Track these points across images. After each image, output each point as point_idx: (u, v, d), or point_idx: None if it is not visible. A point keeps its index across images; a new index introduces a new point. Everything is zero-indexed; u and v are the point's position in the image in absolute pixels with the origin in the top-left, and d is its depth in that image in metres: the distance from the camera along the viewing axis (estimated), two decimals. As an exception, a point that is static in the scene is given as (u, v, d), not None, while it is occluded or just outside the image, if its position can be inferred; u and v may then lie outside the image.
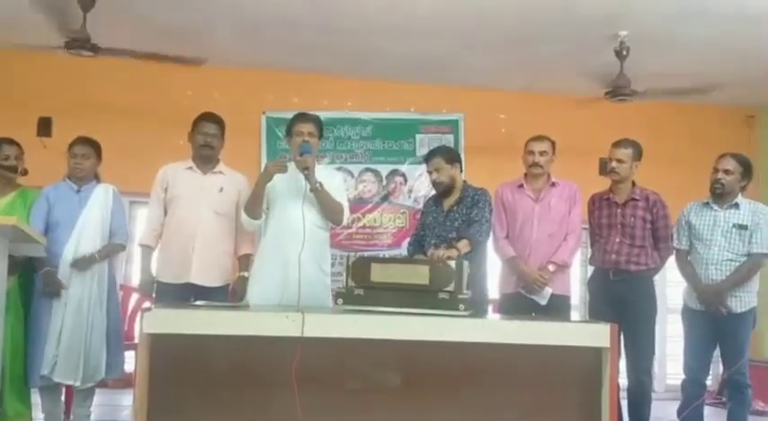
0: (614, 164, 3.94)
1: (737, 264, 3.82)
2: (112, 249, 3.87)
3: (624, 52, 4.82)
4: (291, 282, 3.26)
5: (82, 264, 3.71)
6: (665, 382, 6.02)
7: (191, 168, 3.86)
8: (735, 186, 3.91)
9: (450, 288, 2.80)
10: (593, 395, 2.82)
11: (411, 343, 2.75)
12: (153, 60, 4.75)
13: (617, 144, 3.98)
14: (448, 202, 3.76)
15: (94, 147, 3.92)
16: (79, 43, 4.48)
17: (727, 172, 3.90)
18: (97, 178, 3.97)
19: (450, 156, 3.79)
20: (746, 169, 3.94)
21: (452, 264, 2.87)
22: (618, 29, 4.74)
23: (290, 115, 3.68)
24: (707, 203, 3.98)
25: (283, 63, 5.75)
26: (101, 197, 3.86)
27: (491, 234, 3.86)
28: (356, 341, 2.73)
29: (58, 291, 3.66)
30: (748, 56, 5.16)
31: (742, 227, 3.85)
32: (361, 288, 2.86)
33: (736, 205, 3.90)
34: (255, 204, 3.46)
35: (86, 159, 3.86)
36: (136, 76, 5.54)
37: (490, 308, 4.35)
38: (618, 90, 4.88)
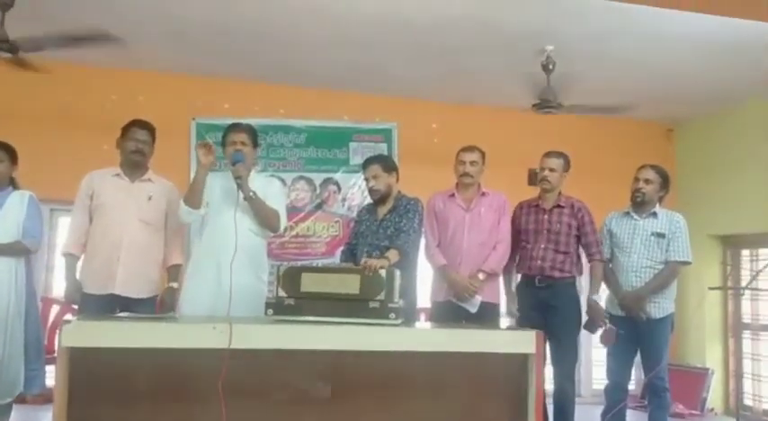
0: (546, 172, 4.06)
1: (656, 271, 3.98)
2: (13, 247, 3.65)
3: (550, 66, 4.96)
4: (224, 290, 3.25)
5: None
6: (591, 387, 6.19)
7: (118, 175, 3.77)
8: (654, 196, 4.08)
9: (381, 297, 2.82)
10: (520, 401, 2.88)
11: (341, 353, 2.75)
12: (72, 46, 4.52)
13: (548, 154, 4.11)
14: (382, 211, 3.79)
15: (7, 151, 3.78)
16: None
17: (647, 181, 4.07)
18: (14, 184, 3.82)
19: (388, 164, 3.84)
20: (665, 180, 4.12)
21: (383, 273, 2.88)
22: (544, 43, 4.88)
23: (220, 121, 3.68)
24: (627, 213, 4.14)
25: (213, 68, 5.65)
26: (15, 204, 3.72)
27: (425, 242, 3.93)
28: (286, 352, 2.71)
29: None
30: (667, 73, 5.39)
31: (660, 235, 4.01)
32: (291, 298, 2.85)
33: (655, 214, 4.07)
34: (195, 193, 3.43)
35: None
36: (57, 79, 5.32)
37: (421, 316, 4.40)
38: (544, 103, 5.01)
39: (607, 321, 3.96)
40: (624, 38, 4.76)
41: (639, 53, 5.01)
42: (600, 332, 3.99)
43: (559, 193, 4.11)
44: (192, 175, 3.58)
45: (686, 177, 6.38)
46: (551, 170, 4.06)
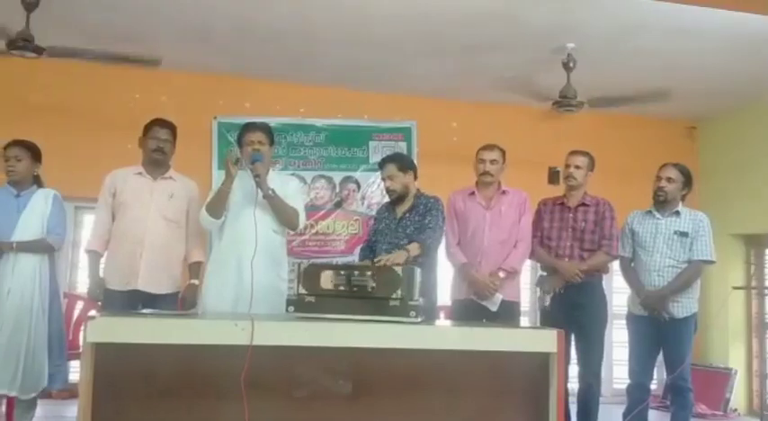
0: (572, 169, 4.05)
1: (678, 270, 3.94)
2: (36, 245, 3.70)
3: (571, 64, 4.93)
4: (245, 288, 3.29)
5: None
6: (611, 387, 6.14)
7: (140, 173, 3.80)
8: (676, 194, 4.04)
9: (399, 294, 2.81)
10: (542, 400, 2.86)
11: (362, 350, 2.75)
12: (104, 61, 4.62)
13: (574, 152, 4.10)
14: (401, 210, 3.78)
15: (29, 148, 3.81)
16: (23, 44, 4.36)
17: (669, 180, 4.03)
18: (38, 183, 3.87)
19: (404, 164, 3.82)
20: (687, 179, 4.08)
21: (398, 270, 2.88)
22: (565, 41, 4.84)
23: (242, 120, 3.69)
24: (649, 212, 4.10)
25: (235, 68, 5.69)
26: (40, 202, 3.77)
27: (445, 241, 3.92)
28: (307, 349, 2.71)
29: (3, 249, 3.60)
30: (689, 69, 5.34)
31: (683, 234, 3.97)
32: (312, 295, 2.85)
33: (678, 213, 4.03)
34: (220, 204, 3.46)
35: (18, 161, 3.76)
36: (82, 78, 5.42)
37: (441, 314, 4.40)
38: (565, 101, 4.98)
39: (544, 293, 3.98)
40: (645, 34, 4.71)
41: (661, 49, 4.96)
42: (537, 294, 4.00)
43: (585, 192, 4.09)
44: (214, 173, 3.62)
45: (709, 176, 6.30)
46: (577, 167, 4.04)
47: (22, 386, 3.57)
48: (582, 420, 3.94)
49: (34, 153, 3.84)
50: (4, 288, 3.59)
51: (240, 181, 3.53)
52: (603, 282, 4.12)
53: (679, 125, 6.72)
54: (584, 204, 4.05)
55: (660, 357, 4.06)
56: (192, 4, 4.59)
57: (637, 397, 3.97)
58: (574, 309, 3.88)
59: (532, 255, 4.08)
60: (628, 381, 4.09)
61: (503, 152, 4.05)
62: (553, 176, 6.19)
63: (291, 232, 3.79)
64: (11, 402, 3.79)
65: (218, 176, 3.51)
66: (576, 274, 3.89)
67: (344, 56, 5.36)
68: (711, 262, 4.01)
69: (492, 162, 3.99)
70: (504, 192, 4.03)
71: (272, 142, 3.64)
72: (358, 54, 5.31)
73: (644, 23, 4.56)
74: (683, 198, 4.09)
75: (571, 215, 4.04)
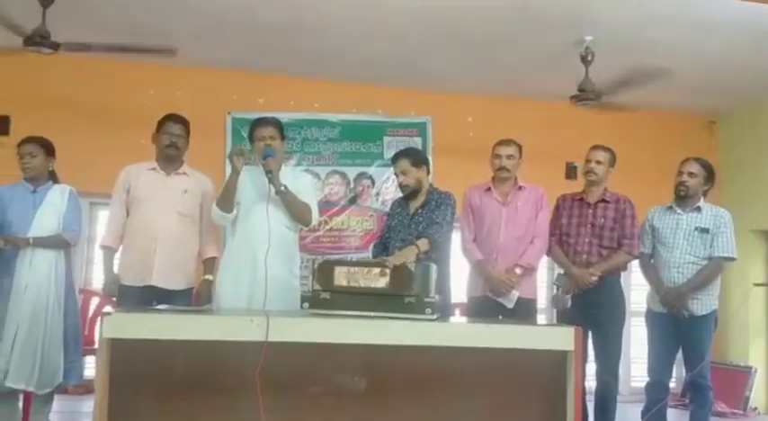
0: (593, 164, 3.99)
1: (698, 266, 3.88)
2: (53, 240, 3.71)
3: (589, 57, 4.87)
4: (259, 284, 3.28)
5: (11, 242, 3.60)
6: (629, 385, 6.09)
7: (154, 169, 3.80)
8: (698, 189, 3.98)
9: (414, 291, 2.79)
10: (559, 398, 2.83)
11: (377, 347, 2.74)
12: (118, 52, 4.60)
13: (595, 147, 4.04)
14: (414, 205, 3.76)
15: (43, 144, 3.83)
16: (38, 40, 4.37)
17: (691, 175, 3.97)
18: (54, 178, 3.89)
19: (417, 159, 3.79)
20: (709, 174, 4.02)
21: (413, 267, 2.85)
22: (583, 34, 4.78)
23: (255, 116, 3.68)
24: (670, 207, 4.04)
25: (248, 63, 5.68)
26: (56, 197, 3.78)
27: (461, 237, 3.90)
28: (322, 345, 2.70)
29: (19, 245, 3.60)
30: (709, 62, 5.26)
31: (704, 230, 3.91)
32: (326, 292, 2.83)
33: (699, 209, 3.97)
34: (228, 197, 3.46)
35: (33, 157, 3.78)
36: (97, 74, 5.43)
37: (456, 311, 4.37)
38: (583, 95, 4.92)
39: (563, 292, 3.88)
40: (664, 26, 4.64)
41: (680, 42, 4.89)
42: (554, 292, 3.91)
43: (605, 189, 4.03)
44: (228, 169, 3.61)
45: (729, 171, 6.21)
46: (598, 163, 3.98)
47: (38, 381, 3.59)
48: (599, 419, 3.90)
49: (48, 149, 3.85)
50: (22, 284, 3.61)
51: (253, 176, 3.52)
52: (622, 279, 4.06)
53: (698, 120, 6.63)
54: (604, 200, 3.98)
55: (679, 355, 4.01)
56: (207, -1, 4.58)
57: (656, 395, 3.93)
58: (591, 307, 3.82)
59: (549, 254, 4.03)
60: (646, 379, 4.04)
61: (519, 147, 4.00)
62: (570, 171, 6.14)
63: (305, 228, 3.77)
64: (28, 397, 3.82)
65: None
66: (589, 283, 3.82)
67: (359, 50, 5.33)
68: (732, 259, 3.95)
69: (508, 157, 3.94)
70: (520, 188, 3.99)
71: (283, 137, 3.62)
72: (373, 49, 5.28)
73: (662, 15, 4.49)
74: (704, 193, 4.02)
75: (590, 211, 3.98)
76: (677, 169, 4.03)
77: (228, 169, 3.56)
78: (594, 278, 3.82)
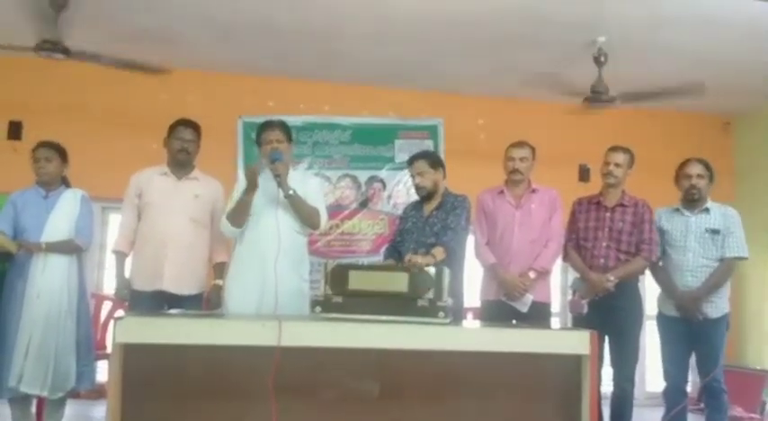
0: (612, 167, 3.92)
1: (712, 269, 3.84)
2: (65, 245, 3.72)
3: (602, 59, 4.83)
4: (268, 289, 3.27)
5: (25, 247, 3.61)
6: (644, 389, 6.03)
7: (165, 174, 3.80)
8: (706, 191, 3.95)
9: (430, 295, 2.77)
10: (574, 403, 2.80)
11: (390, 351, 2.72)
12: (120, 67, 4.64)
13: (614, 149, 3.97)
14: (428, 208, 3.74)
15: (57, 150, 3.85)
16: (51, 46, 4.39)
17: (700, 177, 3.93)
18: (66, 183, 3.91)
19: (434, 160, 3.79)
20: (712, 173, 3.99)
21: (431, 271, 2.83)
22: (596, 35, 4.75)
23: (266, 119, 3.66)
24: (677, 209, 4.00)
25: (258, 67, 5.69)
26: (68, 202, 3.80)
27: (474, 240, 3.88)
28: (334, 350, 2.68)
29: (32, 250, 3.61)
30: (724, 62, 5.21)
31: (715, 231, 3.87)
32: (339, 296, 2.82)
33: (707, 210, 3.92)
34: (242, 214, 3.43)
35: (49, 162, 3.79)
36: (108, 79, 5.43)
37: (469, 315, 4.33)
38: (596, 96, 4.89)
39: (579, 297, 3.82)
40: (678, 26, 4.61)
41: (695, 42, 4.85)
42: (573, 297, 3.86)
43: (623, 192, 3.97)
44: (239, 173, 3.60)
45: (745, 172, 6.16)
46: (617, 165, 3.92)
47: (51, 386, 3.59)
48: (615, 424, 3.85)
49: (62, 154, 3.87)
50: (35, 289, 3.62)
51: (261, 181, 3.50)
52: (639, 284, 4.01)
53: (713, 120, 6.57)
54: (622, 204, 3.92)
55: (691, 359, 3.96)
56: (217, 3, 4.58)
57: (674, 399, 3.88)
58: (609, 311, 3.77)
59: (566, 259, 3.98)
60: (661, 384, 4.00)
61: (532, 149, 3.97)
62: (584, 174, 6.10)
63: (314, 232, 3.74)
64: (41, 402, 3.82)
65: (243, 177, 3.49)
66: (606, 289, 3.77)
67: (370, 53, 5.33)
68: (744, 258, 3.91)
69: (522, 160, 3.91)
70: (533, 191, 3.95)
71: (290, 139, 3.60)
72: (383, 51, 5.27)
73: (676, 15, 4.45)
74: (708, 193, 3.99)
75: (608, 215, 3.92)
76: (681, 172, 3.97)
77: (240, 174, 3.54)
78: (611, 284, 3.77)
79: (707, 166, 3.96)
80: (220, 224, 3.52)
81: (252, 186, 3.38)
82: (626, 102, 4.92)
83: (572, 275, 4.16)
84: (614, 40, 4.77)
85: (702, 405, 4.14)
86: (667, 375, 3.94)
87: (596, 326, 3.05)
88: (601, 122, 5.59)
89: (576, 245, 3.97)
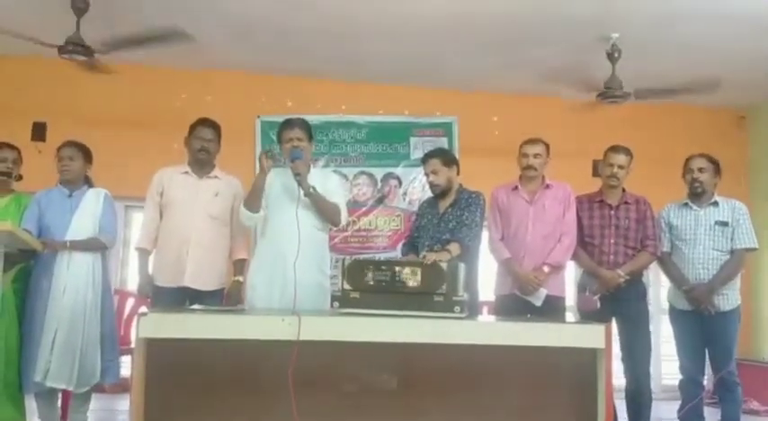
0: (616, 169, 3.97)
1: (722, 261, 3.87)
2: (90, 243, 3.76)
3: (616, 54, 4.84)
4: (289, 285, 3.31)
5: (50, 246, 3.66)
6: (660, 382, 6.03)
7: (186, 172, 3.87)
8: (711, 183, 3.98)
9: (444, 290, 2.82)
10: (589, 396, 2.84)
11: (407, 345, 2.77)
12: (142, 44, 4.65)
13: (616, 150, 4.00)
14: (443, 204, 3.78)
15: (81, 149, 3.91)
16: (73, 48, 4.47)
17: (701, 170, 3.97)
18: (89, 183, 3.96)
19: (448, 158, 3.83)
20: (717, 166, 4.02)
21: (444, 266, 2.88)
22: (609, 31, 4.76)
23: (284, 119, 3.71)
24: (686, 204, 4.03)
25: (276, 66, 5.75)
26: (92, 201, 3.85)
27: (488, 236, 3.91)
28: (352, 344, 2.74)
29: (57, 248, 3.66)
30: (738, 56, 5.19)
31: (723, 223, 3.91)
32: (356, 291, 2.87)
33: (715, 203, 3.97)
34: (255, 198, 3.51)
35: (73, 161, 3.85)
36: (130, 80, 5.54)
37: (484, 309, 4.37)
38: (610, 92, 4.90)
39: (591, 294, 3.85)
40: (691, 21, 4.60)
41: (709, 36, 4.84)
42: (585, 293, 3.88)
43: (623, 190, 4.02)
44: (258, 172, 3.66)
45: (760, 166, 6.13)
46: (621, 167, 3.96)
47: (77, 380, 3.65)
48: (634, 418, 3.87)
49: (86, 154, 3.93)
50: (60, 286, 3.67)
51: (282, 179, 3.56)
52: (653, 277, 4.04)
53: (727, 114, 6.53)
54: (626, 202, 3.98)
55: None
56: (236, 3, 4.65)
57: (691, 392, 3.91)
58: (617, 305, 3.82)
59: (574, 257, 4.02)
60: (677, 377, 4.02)
61: (546, 146, 4.00)
62: (597, 169, 6.09)
63: (334, 228, 3.81)
64: (66, 396, 3.91)
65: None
66: (618, 284, 3.82)
67: (385, 52, 5.37)
68: (754, 249, 3.94)
69: (536, 156, 3.94)
70: (547, 186, 3.98)
71: (311, 138, 3.65)
72: (399, 50, 5.31)
73: (689, 10, 4.45)
74: (714, 186, 4.01)
75: (613, 212, 3.97)
76: (685, 167, 4.03)
77: (258, 172, 3.61)
78: (622, 279, 3.82)
79: (710, 160, 4.00)
80: (239, 214, 3.58)
81: (263, 169, 3.46)
82: (640, 98, 4.93)
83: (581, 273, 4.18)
84: (628, 36, 4.77)
85: (717, 398, 4.14)
86: (683, 368, 3.97)
87: (607, 320, 3.08)
88: (614, 118, 5.59)
89: (581, 242, 4.00)
